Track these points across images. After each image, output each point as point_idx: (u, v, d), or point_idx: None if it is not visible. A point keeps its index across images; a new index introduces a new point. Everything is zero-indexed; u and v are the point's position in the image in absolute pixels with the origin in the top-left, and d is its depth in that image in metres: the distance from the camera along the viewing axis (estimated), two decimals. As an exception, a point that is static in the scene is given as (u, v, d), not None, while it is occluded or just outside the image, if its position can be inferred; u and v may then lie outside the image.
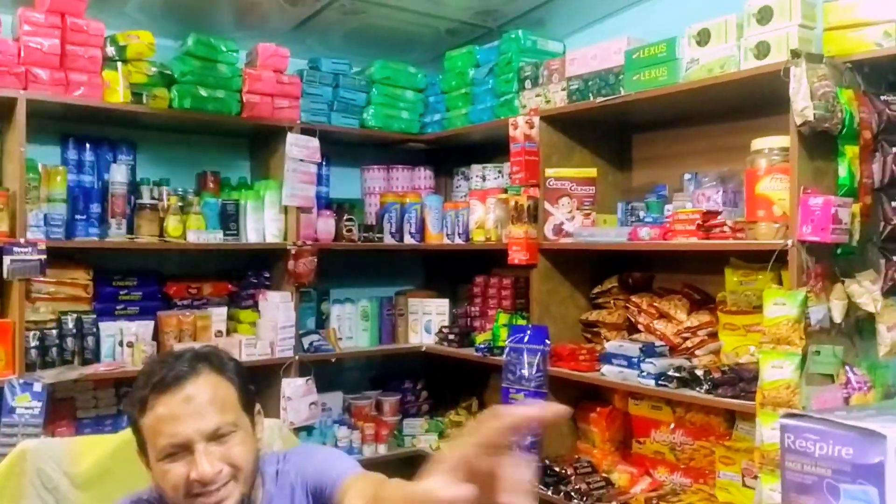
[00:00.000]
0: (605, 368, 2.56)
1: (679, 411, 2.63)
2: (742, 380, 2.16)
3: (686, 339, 2.54)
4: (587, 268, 2.91)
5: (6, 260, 2.47)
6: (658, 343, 2.53)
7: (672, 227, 2.36)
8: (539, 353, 2.69)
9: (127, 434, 1.68)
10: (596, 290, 2.91)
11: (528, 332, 2.76)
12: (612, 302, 2.84)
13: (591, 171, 2.77)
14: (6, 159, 2.65)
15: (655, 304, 2.65)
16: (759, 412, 1.98)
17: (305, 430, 3.08)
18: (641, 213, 2.67)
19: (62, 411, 2.77)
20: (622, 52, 2.48)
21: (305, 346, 3.11)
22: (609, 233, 2.62)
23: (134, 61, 2.72)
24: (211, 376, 1.29)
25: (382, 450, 3.29)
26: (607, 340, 2.72)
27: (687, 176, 2.57)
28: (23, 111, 2.50)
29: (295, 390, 2.97)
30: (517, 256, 2.78)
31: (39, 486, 1.57)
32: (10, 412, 2.47)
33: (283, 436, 1.81)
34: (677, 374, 2.32)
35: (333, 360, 3.20)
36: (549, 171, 2.75)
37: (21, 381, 2.48)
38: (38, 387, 2.50)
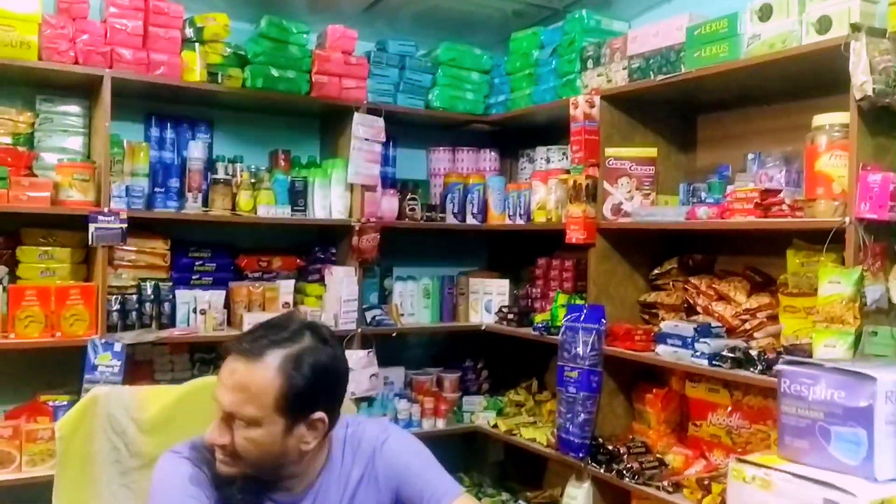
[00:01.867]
0: (660, 348, 2.55)
1: (737, 394, 2.59)
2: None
3: (745, 321, 2.51)
4: (647, 249, 2.89)
5: (91, 227, 2.64)
6: (715, 324, 2.50)
7: (730, 206, 2.33)
8: (594, 332, 2.70)
9: (189, 385, 1.81)
10: (655, 272, 2.89)
11: (585, 310, 2.77)
12: (671, 283, 2.82)
13: (652, 151, 2.75)
14: (94, 135, 2.83)
15: (715, 285, 2.62)
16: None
17: (366, 402, 3.19)
18: (703, 195, 2.63)
19: (141, 373, 2.94)
20: (684, 29, 2.45)
21: (368, 320, 3.20)
22: (667, 212, 2.60)
23: (210, 42, 2.86)
24: (266, 367, 1.29)
25: (441, 424, 3.36)
26: (664, 321, 2.70)
27: (750, 156, 2.53)
28: (108, 89, 2.66)
29: (357, 362, 3.07)
30: (575, 235, 2.79)
31: (109, 430, 1.68)
32: (92, 369, 2.64)
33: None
34: (731, 355, 2.30)
35: (394, 334, 3.28)
36: (609, 151, 2.74)
37: (103, 340, 2.66)
38: (118, 347, 2.67)
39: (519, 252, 3.61)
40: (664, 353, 2.53)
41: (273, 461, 1.34)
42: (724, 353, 2.31)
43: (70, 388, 2.74)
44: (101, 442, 1.68)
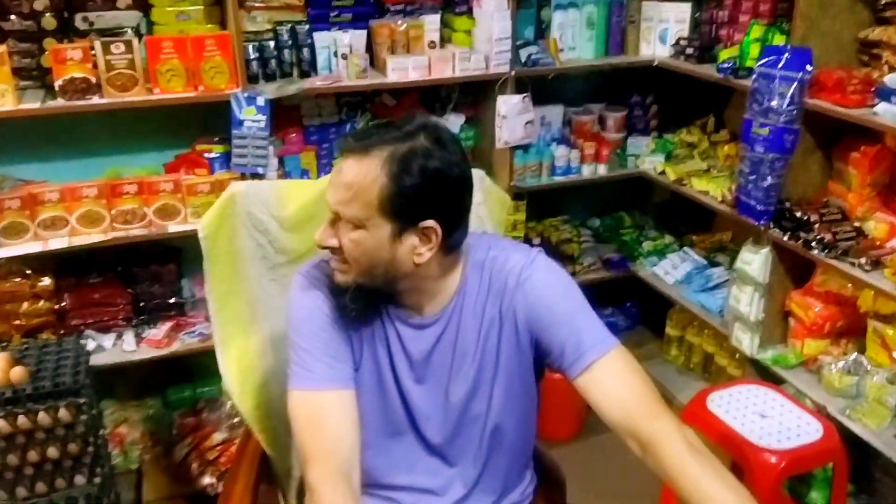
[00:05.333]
0: (881, 107, 2.08)
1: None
2: None
3: None
4: (879, -31, 2.27)
5: (215, -32, 2.38)
6: (962, 79, 1.99)
7: None
8: (796, 83, 2.24)
9: (328, 179, 1.66)
10: (885, 0, 2.29)
11: (786, 55, 2.28)
12: (905, 17, 2.24)
13: None
14: None
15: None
16: None
17: (521, 149, 2.96)
18: None
19: (290, 118, 2.85)
20: None
21: (523, 60, 2.85)
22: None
23: None
24: (371, 164, 1.16)
25: (602, 170, 3.11)
26: (890, 67, 2.19)
27: None
28: None
29: (511, 108, 2.80)
30: (785, -42, 2.21)
31: (252, 228, 1.61)
32: (238, 124, 2.56)
33: (484, 187, 1.69)
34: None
35: (550, 77, 2.93)
36: None
37: (245, 94, 2.53)
38: (261, 101, 2.54)
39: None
40: (886, 113, 2.07)
41: (385, 270, 1.22)
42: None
43: (224, 137, 2.70)
44: (245, 239, 1.63)
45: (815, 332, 2.51)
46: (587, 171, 3.08)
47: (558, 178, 3.03)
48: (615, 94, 3.31)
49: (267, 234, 1.62)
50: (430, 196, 1.18)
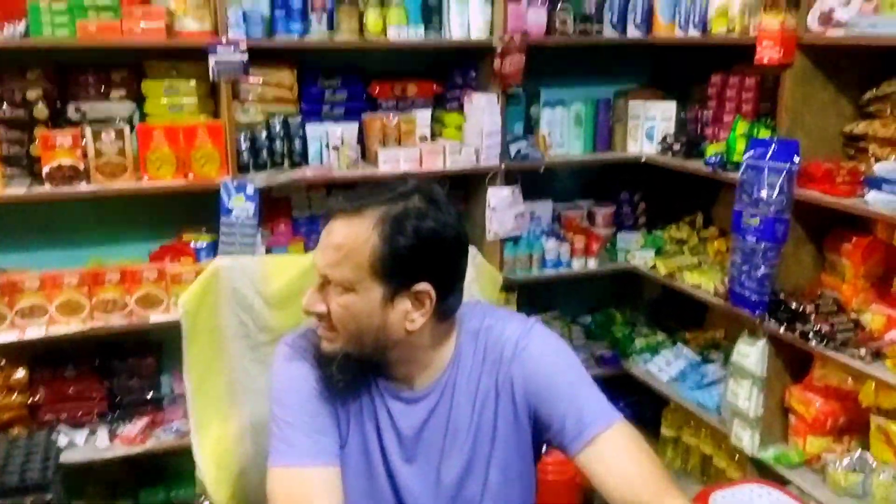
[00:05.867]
0: (871, 195, 2.09)
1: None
2: None
3: None
4: (859, 67, 2.34)
5: (211, 60, 2.42)
6: (949, 167, 2.01)
7: None
8: (784, 173, 2.26)
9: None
10: (868, 96, 2.35)
11: (773, 146, 2.31)
12: (888, 110, 2.28)
13: (883, -62, 2.12)
14: (206, -49, 2.53)
15: (951, 115, 2.09)
16: None
17: (511, 241, 2.95)
18: (949, -5, 2.03)
19: (279, 210, 2.85)
20: None
21: (512, 154, 2.88)
22: (899, 22, 2.03)
23: None
24: (363, 224, 1.12)
25: (592, 264, 3.09)
26: (877, 159, 2.21)
27: None
28: None
29: (500, 200, 2.81)
30: (767, 54, 2.27)
31: (235, 305, 1.55)
32: (227, 212, 2.54)
33: (476, 264, 1.65)
34: (974, 210, 1.83)
35: (541, 170, 2.96)
36: (823, -60, 2.14)
37: (235, 182, 2.53)
38: (250, 189, 2.53)
39: (687, 67, 3.08)
40: (877, 201, 2.07)
41: (375, 337, 1.15)
42: (964, 206, 1.85)
43: (211, 226, 2.67)
44: (227, 317, 1.55)
45: (817, 428, 2.42)
46: (577, 265, 3.06)
47: (548, 271, 3.01)
48: (604, 190, 3.34)
49: (250, 311, 1.56)
50: (423, 257, 1.13)
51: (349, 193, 1.18)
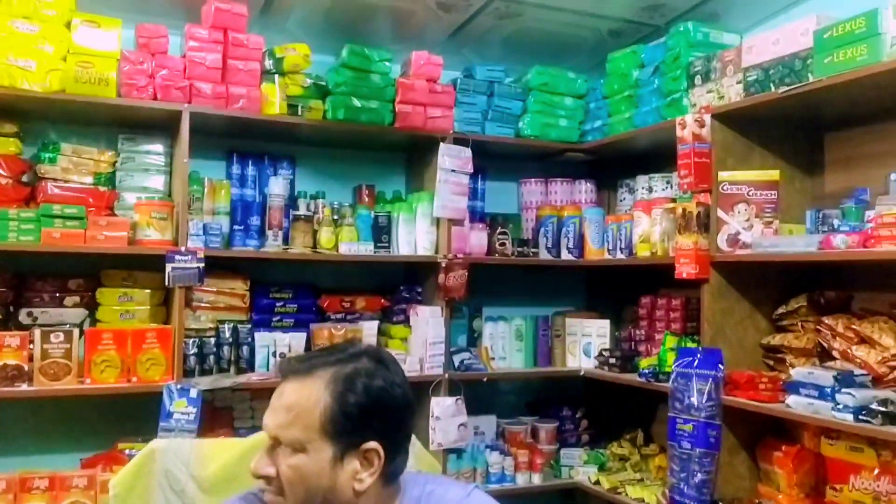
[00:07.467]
0: (792, 399, 2.21)
1: (885, 454, 2.20)
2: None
3: (893, 368, 2.14)
4: (769, 285, 2.56)
5: (168, 267, 2.54)
6: (858, 372, 2.15)
7: (875, 234, 2.00)
8: (711, 380, 2.38)
9: (255, 439, 1.62)
10: (780, 311, 2.55)
11: (698, 355, 2.46)
12: (799, 324, 2.48)
13: (773, 174, 2.44)
14: (175, 173, 2.75)
15: (855, 326, 2.27)
16: None
17: (455, 453, 2.94)
18: (836, 222, 2.30)
19: (221, 420, 2.81)
20: (810, 33, 2.15)
21: (456, 364, 2.97)
22: (796, 242, 2.27)
23: (290, 73, 2.75)
24: (314, 385, 1.17)
25: (537, 479, 3.07)
26: (793, 367, 2.36)
27: (893, 176, 2.18)
28: (186, 125, 2.58)
29: (444, 410, 2.84)
30: (685, 270, 2.49)
31: (167, 488, 1.53)
32: (167, 416, 2.52)
33: (415, 452, 1.66)
34: (884, 409, 1.94)
35: (485, 380, 3.04)
36: (724, 175, 2.45)
37: (178, 386, 2.54)
38: (193, 392, 2.54)
39: (620, 290, 3.32)
40: (797, 405, 2.18)
41: (323, 500, 1.16)
42: (874, 406, 1.96)
43: (148, 437, 2.61)
44: (157, 500, 1.53)
45: None
46: (521, 480, 3.02)
47: (493, 486, 2.96)
48: (546, 407, 3.40)
49: (182, 496, 1.53)
50: (373, 415, 1.17)
51: (300, 356, 1.26)
